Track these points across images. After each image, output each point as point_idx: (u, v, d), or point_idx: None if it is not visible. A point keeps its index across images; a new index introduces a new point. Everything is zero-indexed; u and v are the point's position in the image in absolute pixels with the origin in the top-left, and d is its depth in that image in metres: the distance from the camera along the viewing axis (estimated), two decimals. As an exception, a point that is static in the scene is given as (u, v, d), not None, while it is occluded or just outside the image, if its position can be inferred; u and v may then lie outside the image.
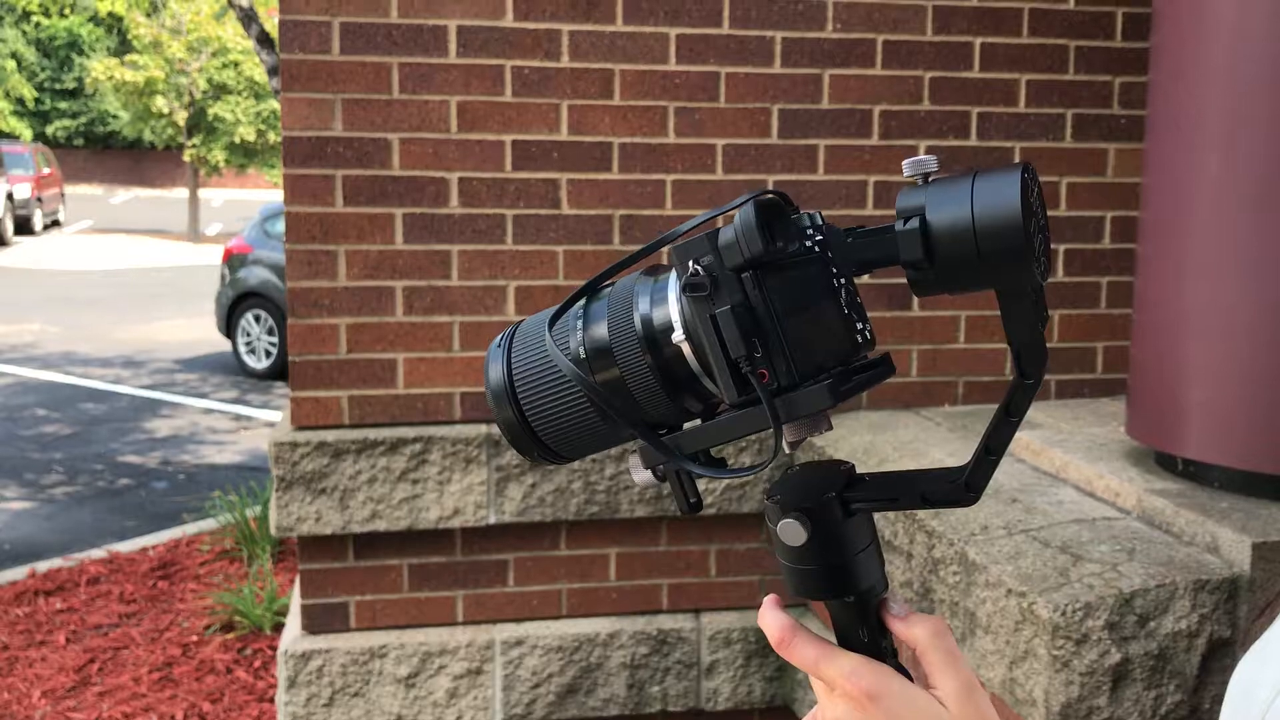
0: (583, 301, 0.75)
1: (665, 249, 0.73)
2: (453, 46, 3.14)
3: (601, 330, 0.73)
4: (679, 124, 3.24)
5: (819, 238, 0.69)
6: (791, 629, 0.73)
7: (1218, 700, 2.11)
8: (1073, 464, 2.69)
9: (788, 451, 0.71)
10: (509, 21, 3.15)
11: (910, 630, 0.74)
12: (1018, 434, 2.98)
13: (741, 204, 0.67)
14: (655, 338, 0.71)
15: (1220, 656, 2.10)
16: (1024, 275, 0.63)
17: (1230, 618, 2.09)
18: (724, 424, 0.70)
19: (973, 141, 3.39)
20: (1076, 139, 3.44)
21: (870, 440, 3.13)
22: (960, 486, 0.71)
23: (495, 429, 3.22)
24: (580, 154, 3.22)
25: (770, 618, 0.74)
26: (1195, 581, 2.07)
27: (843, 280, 0.70)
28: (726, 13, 3.23)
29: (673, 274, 0.71)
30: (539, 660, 3.31)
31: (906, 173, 0.65)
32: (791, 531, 0.71)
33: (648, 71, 3.21)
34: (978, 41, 3.36)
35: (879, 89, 3.33)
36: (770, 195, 0.68)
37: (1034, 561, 2.21)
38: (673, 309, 0.70)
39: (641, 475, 0.74)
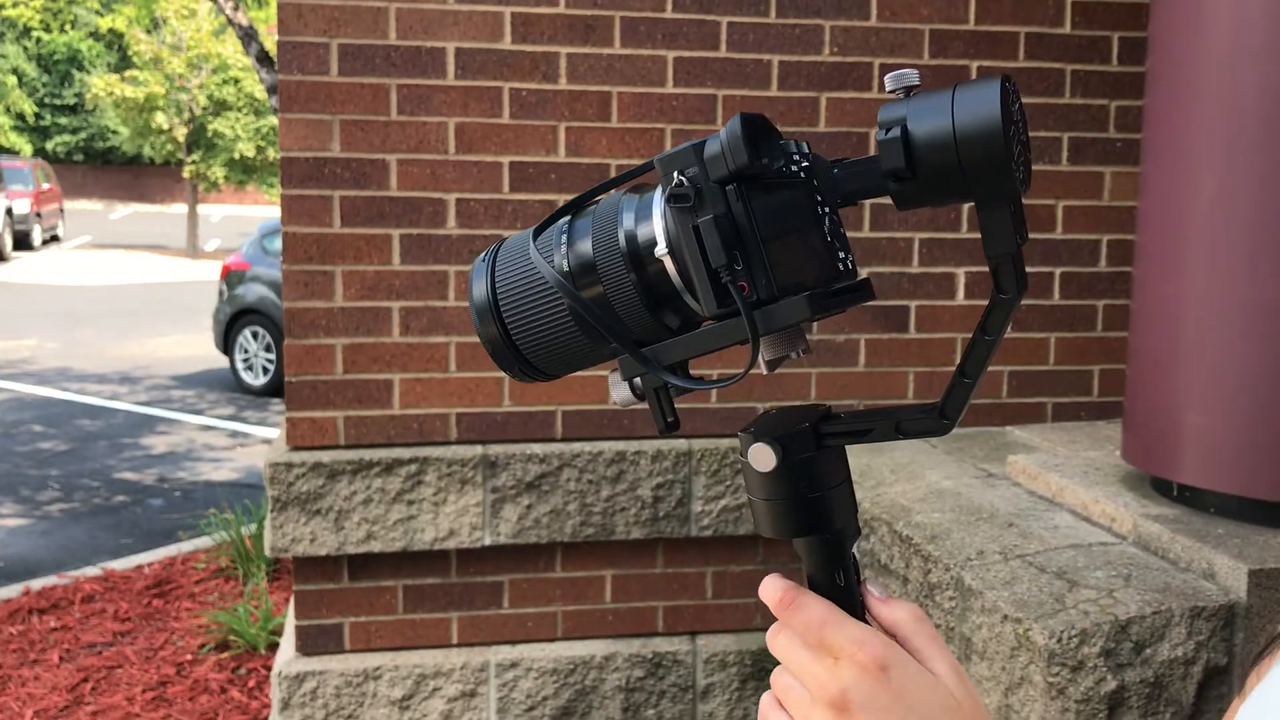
0: (568, 219, 0.75)
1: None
2: (451, 68, 3.14)
3: (586, 246, 0.73)
4: (676, 145, 3.24)
5: (805, 164, 0.69)
6: (796, 588, 0.71)
7: (1214, 728, 2.10)
8: (1069, 488, 2.69)
9: (765, 372, 0.71)
10: (507, 44, 3.16)
11: (893, 613, 0.72)
12: (1013, 457, 2.98)
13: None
14: (639, 254, 0.71)
15: (1216, 684, 2.09)
16: (1004, 183, 0.63)
17: (1227, 645, 2.08)
18: (703, 335, 0.71)
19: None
20: (1073, 162, 3.45)
21: (867, 463, 3.12)
22: (935, 416, 0.71)
23: (491, 450, 3.21)
24: (578, 175, 3.22)
25: (772, 582, 0.72)
26: (1192, 608, 2.06)
27: (827, 209, 0.70)
28: (724, 36, 3.24)
29: (658, 190, 0.71)
30: (534, 683, 3.30)
31: (889, 87, 0.65)
32: (761, 455, 0.70)
33: (645, 94, 3.22)
34: (974, 65, 3.37)
35: (876, 112, 3.33)
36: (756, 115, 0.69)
37: (1030, 587, 2.20)
38: (657, 224, 0.70)
39: (621, 392, 0.74)
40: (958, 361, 0.71)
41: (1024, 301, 3.45)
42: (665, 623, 3.42)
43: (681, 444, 3.29)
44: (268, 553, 3.18)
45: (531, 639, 3.37)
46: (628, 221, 0.71)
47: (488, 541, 3.24)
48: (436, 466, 3.19)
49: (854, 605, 0.72)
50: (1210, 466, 2.38)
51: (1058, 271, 3.47)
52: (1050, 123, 3.41)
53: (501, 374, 3.23)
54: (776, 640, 0.72)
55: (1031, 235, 3.41)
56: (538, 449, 3.24)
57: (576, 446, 3.25)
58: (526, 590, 3.35)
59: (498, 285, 0.75)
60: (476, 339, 3.22)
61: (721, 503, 3.30)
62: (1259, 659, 0.78)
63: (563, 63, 3.19)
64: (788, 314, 0.67)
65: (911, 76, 0.65)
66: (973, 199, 0.64)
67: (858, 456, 3.17)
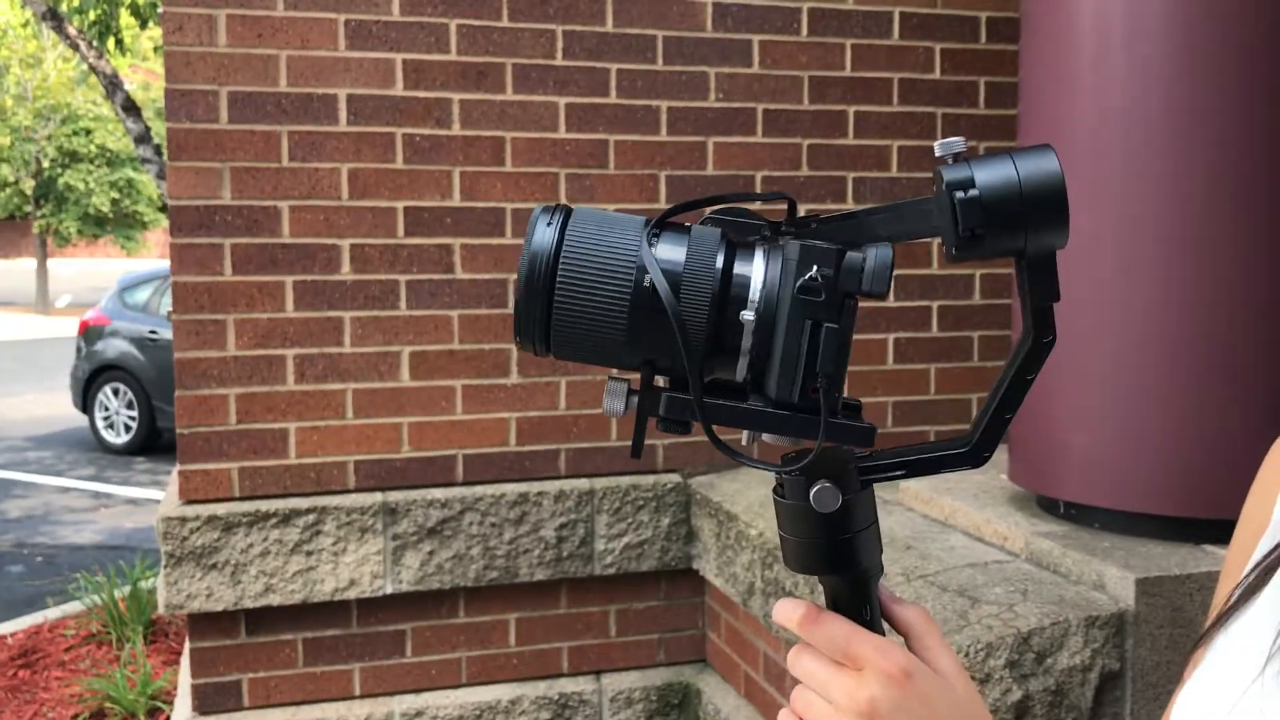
0: (655, 233, 0.72)
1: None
2: (343, 115, 3.14)
3: (676, 265, 0.70)
4: (570, 189, 3.30)
5: None
6: (816, 607, 0.74)
7: (1111, 731, 2.21)
8: (961, 510, 2.81)
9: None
10: (399, 90, 3.18)
11: (905, 612, 0.76)
12: (906, 484, 3.09)
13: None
14: (726, 301, 0.70)
15: (1111, 689, 2.21)
16: (1059, 235, 0.68)
17: (1119, 651, 2.20)
18: (768, 417, 0.70)
19: (849, 205, 3.53)
20: (946, 201, 3.60)
21: (767, 494, 3.20)
22: (973, 449, 0.74)
23: (391, 497, 3.19)
24: (473, 219, 3.25)
25: (789, 603, 0.74)
26: (1086, 618, 2.17)
27: None
28: (613, 83, 3.32)
29: (759, 251, 0.71)
30: (440, 731, 3.26)
31: (938, 154, 0.70)
32: (827, 497, 0.72)
33: (539, 139, 3.27)
34: (851, 110, 3.51)
35: (760, 156, 3.45)
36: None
37: (934, 605, 2.29)
38: (755, 287, 0.70)
39: (615, 404, 0.72)
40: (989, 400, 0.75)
41: (903, 334, 3.60)
42: (570, 663, 3.43)
43: (583, 484, 3.32)
44: (161, 610, 3.08)
45: (436, 686, 3.33)
46: (720, 270, 0.70)
47: (389, 590, 3.20)
48: (335, 515, 3.15)
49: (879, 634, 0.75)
50: (1093, 484, 2.51)
51: (935, 305, 3.62)
52: (924, 164, 3.57)
53: (401, 419, 3.22)
54: (800, 660, 0.75)
55: (910, 271, 3.57)
56: (439, 494, 3.22)
57: (479, 490, 3.25)
58: (429, 638, 3.32)
59: (564, 253, 0.70)
60: (373, 385, 3.20)
61: (624, 540, 3.33)
62: (1193, 651, 0.85)
63: (455, 109, 3.22)
64: (854, 438, 0.69)
65: (958, 144, 0.69)
66: (1027, 250, 0.69)
67: (755, 489, 3.24)
